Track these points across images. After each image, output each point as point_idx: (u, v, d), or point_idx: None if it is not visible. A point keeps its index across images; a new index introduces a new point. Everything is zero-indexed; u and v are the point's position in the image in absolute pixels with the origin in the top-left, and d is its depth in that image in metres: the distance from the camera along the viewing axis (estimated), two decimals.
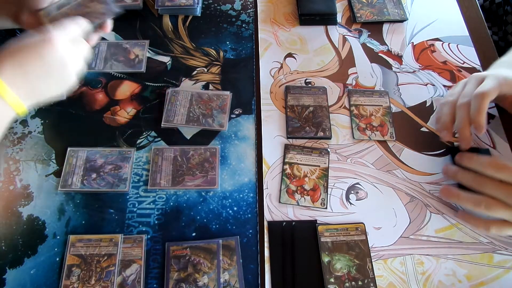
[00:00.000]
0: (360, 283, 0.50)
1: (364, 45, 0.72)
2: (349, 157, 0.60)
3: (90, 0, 0.51)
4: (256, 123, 0.63)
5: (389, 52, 0.72)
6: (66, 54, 0.47)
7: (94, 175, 0.57)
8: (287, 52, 0.71)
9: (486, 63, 0.71)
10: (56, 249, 0.52)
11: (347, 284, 0.50)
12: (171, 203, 0.56)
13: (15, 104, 0.44)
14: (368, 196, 0.57)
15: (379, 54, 0.71)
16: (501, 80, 0.52)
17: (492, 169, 0.49)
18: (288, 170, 0.58)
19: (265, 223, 0.54)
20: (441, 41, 0.73)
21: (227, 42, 0.71)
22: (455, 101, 0.55)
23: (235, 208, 0.55)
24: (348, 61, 0.70)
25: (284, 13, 0.76)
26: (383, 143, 0.62)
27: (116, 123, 0.62)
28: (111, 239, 0.52)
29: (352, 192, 0.57)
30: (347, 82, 0.68)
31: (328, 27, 0.75)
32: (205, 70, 0.68)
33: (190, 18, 0.75)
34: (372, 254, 0.52)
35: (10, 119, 0.45)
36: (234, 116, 0.63)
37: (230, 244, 0.52)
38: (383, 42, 0.73)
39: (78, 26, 0.49)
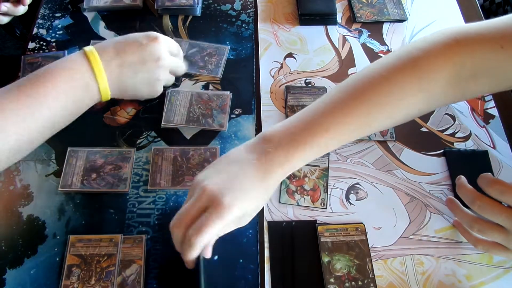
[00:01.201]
0: (360, 283, 0.50)
1: (364, 45, 0.72)
2: (349, 157, 0.60)
3: None
4: (256, 123, 0.63)
5: (389, 52, 0.72)
6: (162, 55, 0.54)
7: (94, 175, 0.57)
8: (287, 52, 0.71)
9: None
10: (56, 249, 0.52)
11: (347, 284, 0.50)
12: (171, 203, 0.56)
13: (104, 90, 0.51)
14: (368, 196, 0.57)
15: (379, 54, 0.71)
16: None
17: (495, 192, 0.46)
18: None
19: (265, 223, 0.54)
20: None
21: (227, 42, 0.71)
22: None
23: None
24: (348, 61, 0.70)
25: (284, 13, 0.76)
26: (383, 143, 0.62)
27: (116, 123, 0.62)
28: (111, 239, 0.52)
29: (352, 192, 0.57)
30: None
31: (328, 27, 0.75)
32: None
33: (190, 18, 0.75)
34: (372, 254, 0.52)
35: (94, 102, 0.52)
36: (234, 116, 0.63)
37: None
38: (383, 42, 0.73)
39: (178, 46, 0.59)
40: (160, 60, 0.54)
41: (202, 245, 0.42)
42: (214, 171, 0.45)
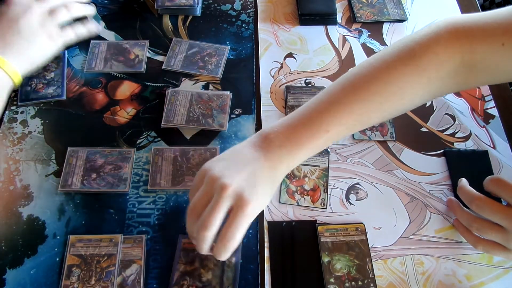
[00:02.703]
0: (360, 283, 0.50)
1: (364, 45, 0.72)
2: (349, 157, 0.60)
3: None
4: (256, 123, 0.63)
5: None
6: (38, 21, 0.56)
7: (94, 175, 0.57)
8: (287, 52, 0.71)
9: None
10: (56, 249, 0.52)
11: (347, 284, 0.50)
12: (171, 203, 0.56)
13: (13, 73, 0.53)
14: (368, 196, 0.57)
15: None
16: None
17: (494, 187, 0.48)
18: None
19: (265, 223, 0.54)
20: None
21: (227, 42, 0.71)
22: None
23: None
24: (348, 61, 0.70)
25: (284, 13, 0.76)
26: (383, 143, 0.62)
27: (116, 123, 0.62)
28: (111, 239, 0.52)
29: (352, 192, 0.57)
30: None
31: (328, 27, 0.75)
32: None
33: (190, 18, 0.75)
34: (372, 254, 0.52)
35: (8, 89, 0.54)
36: (234, 116, 0.63)
37: None
38: (383, 42, 0.73)
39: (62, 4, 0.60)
40: (29, 8, 0.56)
41: (237, 242, 0.42)
42: (226, 165, 0.45)
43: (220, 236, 0.42)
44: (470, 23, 0.46)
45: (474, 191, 0.50)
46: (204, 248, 0.43)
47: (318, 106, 0.48)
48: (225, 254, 0.42)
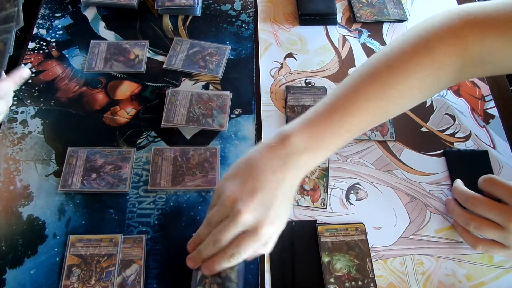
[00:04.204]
0: (360, 283, 0.50)
1: (364, 45, 0.72)
2: (349, 157, 0.60)
3: None
4: (256, 123, 0.63)
5: None
6: None
7: (94, 175, 0.57)
8: (287, 52, 0.71)
9: None
10: (56, 249, 0.52)
11: (347, 284, 0.50)
12: (171, 203, 0.56)
13: None
14: (368, 196, 0.57)
15: None
16: None
17: (487, 186, 0.49)
18: None
19: None
20: None
21: (227, 42, 0.71)
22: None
23: None
24: (348, 61, 0.70)
25: (284, 13, 0.76)
26: (383, 143, 0.62)
27: (116, 123, 0.62)
28: (111, 239, 0.52)
29: (352, 192, 0.57)
30: None
31: (328, 27, 0.75)
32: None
33: (190, 18, 0.75)
34: (372, 254, 0.52)
35: None
36: (234, 116, 0.63)
37: None
38: (383, 42, 0.73)
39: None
40: None
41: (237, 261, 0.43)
42: (241, 184, 0.43)
43: (223, 251, 0.43)
44: (483, 13, 0.45)
45: (469, 190, 0.51)
46: (202, 257, 0.44)
47: (337, 104, 0.46)
48: (217, 267, 0.43)
